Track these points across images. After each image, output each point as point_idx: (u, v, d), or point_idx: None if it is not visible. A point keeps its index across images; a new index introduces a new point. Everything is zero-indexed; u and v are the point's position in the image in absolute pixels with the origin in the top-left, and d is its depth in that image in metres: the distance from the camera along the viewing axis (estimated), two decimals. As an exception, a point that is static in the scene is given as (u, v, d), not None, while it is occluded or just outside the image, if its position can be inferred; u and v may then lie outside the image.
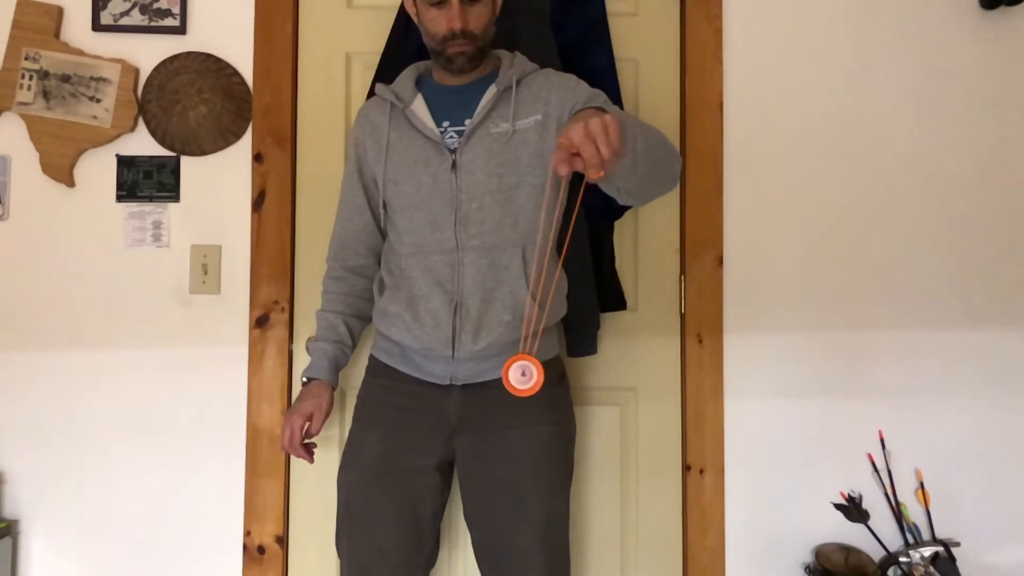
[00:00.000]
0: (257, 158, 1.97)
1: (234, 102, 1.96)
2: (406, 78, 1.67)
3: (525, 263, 1.57)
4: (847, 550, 1.90)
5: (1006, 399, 2.00)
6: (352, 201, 1.72)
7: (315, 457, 1.72)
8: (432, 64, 1.68)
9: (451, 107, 1.62)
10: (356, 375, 1.79)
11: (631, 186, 1.39)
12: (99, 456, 1.94)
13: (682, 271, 2.01)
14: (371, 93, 1.88)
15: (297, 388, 1.97)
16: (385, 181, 1.64)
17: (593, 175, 1.20)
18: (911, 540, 1.92)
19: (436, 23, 1.57)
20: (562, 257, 1.56)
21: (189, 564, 1.94)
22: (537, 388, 1.34)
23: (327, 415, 1.69)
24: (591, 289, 1.85)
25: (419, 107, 1.63)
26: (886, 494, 1.96)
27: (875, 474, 1.97)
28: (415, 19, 1.65)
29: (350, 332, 1.73)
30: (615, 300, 1.94)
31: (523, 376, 1.36)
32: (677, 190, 2.02)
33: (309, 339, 1.95)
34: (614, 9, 1.98)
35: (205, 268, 1.96)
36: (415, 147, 1.60)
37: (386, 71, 1.86)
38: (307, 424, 1.67)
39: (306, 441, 1.68)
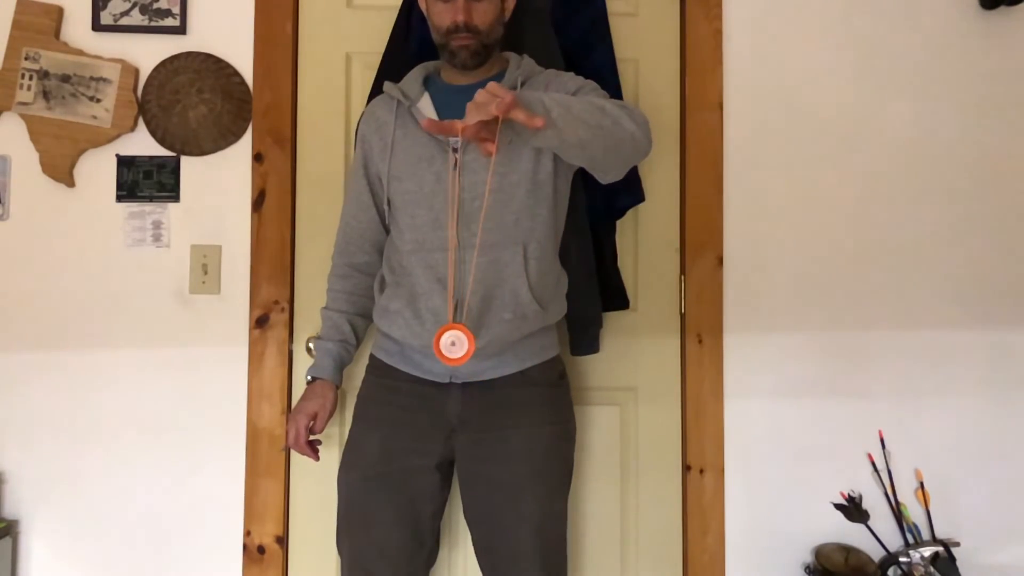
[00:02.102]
0: (257, 158, 1.97)
1: (234, 102, 1.96)
2: (414, 77, 1.68)
3: (526, 261, 1.58)
4: (847, 550, 1.90)
5: (1006, 399, 2.00)
6: (357, 198, 1.72)
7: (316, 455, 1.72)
8: (440, 64, 1.69)
9: (457, 106, 1.61)
10: (357, 375, 1.79)
11: (573, 155, 1.44)
12: (99, 456, 1.93)
13: (682, 271, 2.01)
14: (372, 93, 1.88)
15: (297, 388, 1.98)
16: (389, 178, 1.64)
17: (529, 122, 1.26)
18: (911, 540, 1.92)
19: (441, 16, 1.59)
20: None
21: (189, 564, 1.94)
22: (467, 357, 1.40)
23: (331, 414, 1.70)
24: (594, 288, 1.85)
25: (425, 105, 1.64)
26: (886, 494, 1.96)
27: (875, 474, 1.97)
28: (425, 12, 1.66)
29: (354, 331, 1.73)
30: (617, 299, 1.94)
31: (453, 346, 1.38)
32: (677, 191, 2.02)
33: (310, 338, 1.96)
34: (614, 9, 1.98)
35: (205, 268, 1.96)
36: (419, 145, 1.60)
37: (387, 71, 1.86)
38: (311, 423, 1.68)
39: (311, 438, 1.69)
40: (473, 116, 1.28)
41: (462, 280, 1.56)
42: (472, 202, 1.57)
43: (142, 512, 1.94)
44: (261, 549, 1.93)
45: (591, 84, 1.62)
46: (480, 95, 1.29)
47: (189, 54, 1.96)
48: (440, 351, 1.40)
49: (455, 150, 1.58)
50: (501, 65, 1.68)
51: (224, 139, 1.96)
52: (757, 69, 2.02)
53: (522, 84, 1.62)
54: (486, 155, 1.33)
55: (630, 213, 1.98)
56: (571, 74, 1.66)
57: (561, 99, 1.38)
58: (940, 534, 1.96)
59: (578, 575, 1.98)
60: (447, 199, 1.58)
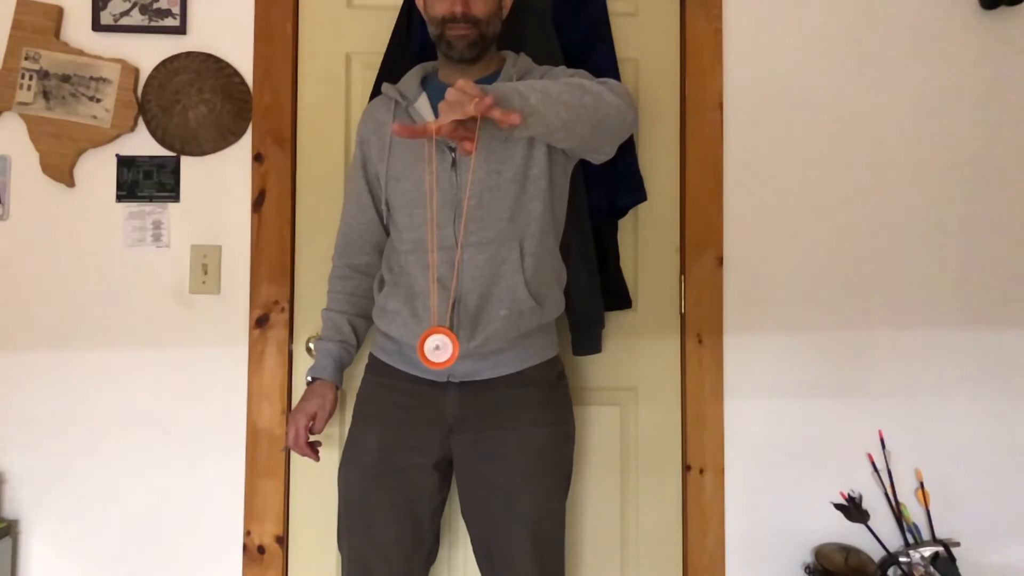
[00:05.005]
0: (257, 158, 1.97)
1: (234, 102, 1.96)
2: (412, 77, 1.68)
3: (523, 257, 1.58)
4: (847, 550, 1.90)
5: (1006, 399, 2.00)
6: (356, 198, 1.73)
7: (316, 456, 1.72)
8: (438, 64, 1.69)
9: None
10: (357, 375, 1.79)
11: (561, 139, 1.42)
12: (99, 456, 1.94)
13: (682, 271, 2.01)
14: (373, 93, 1.88)
15: (297, 388, 1.98)
16: (387, 178, 1.64)
17: (506, 119, 1.25)
18: (911, 540, 1.92)
19: (438, 5, 1.59)
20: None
21: (189, 564, 1.94)
22: (452, 360, 1.40)
23: (331, 415, 1.70)
24: (596, 287, 1.85)
25: (422, 105, 1.64)
26: (886, 494, 1.96)
27: (875, 474, 1.97)
28: (421, 10, 1.66)
29: (355, 331, 1.73)
30: (620, 299, 1.94)
31: (437, 350, 1.39)
32: (677, 191, 2.02)
33: (310, 338, 1.96)
34: (614, 9, 1.98)
35: (205, 268, 1.96)
36: (417, 145, 1.60)
37: (388, 71, 1.86)
38: (311, 423, 1.68)
39: (311, 439, 1.69)
40: (447, 115, 1.27)
41: (459, 278, 1.56)
42: (469, 200, 1.57)
43: (142, 512, 1.94)
44: (261, 549, 1.93)
45: (582, 72, 1.61)
46: (451, 94, 1.28)
47: (189, 54, 1.96)
48: (424, 355, 1.40)
49: (452, 149, 1.58)
50: (498, 63, 1.68)
51: (224, 139, 1.96)
52: (757, 69, 2.02)
53: (519, 81, 1.62)
54: (464, 154, 1.33)
55: (630, 213, 1.98)
56: (563, 67, 1.66)
57: (538, 84, 1.37)
58: (940, 534, 1.95)
59: (578, 575, 1.98)
60: (444, 198, 1.58)
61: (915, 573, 1.85)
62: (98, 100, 1.93)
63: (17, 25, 1.92)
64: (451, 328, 1.56)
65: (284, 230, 1.97)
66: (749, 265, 2.00)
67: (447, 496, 1.70)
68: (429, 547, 1.67)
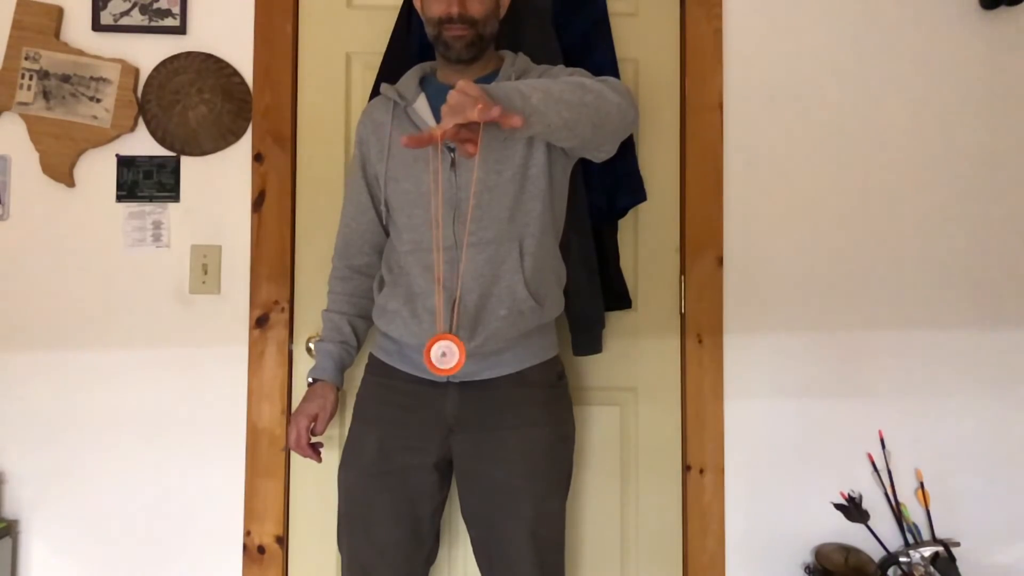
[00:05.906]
0: (257, 158, 1.97)
1: (234, 102, 1.96)
2: (410, 77, 1.68)
3: (522, 256, 1.58)
4: (847, 550, 1.90)
5: (1006, 399, 2.00)
6: (356, 199, 1.73)
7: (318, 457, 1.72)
8: (436, 64, 1.69)
9: None
10: (357, 375, 1.79)
11: (563, 138, 1.43)
12: (99, 456, 1.94)
13: (682, 271, 2.01)
14: (373, 93, 1.88)
15: (297, 388, 1.98)
16: (386, 179, 1.64)
17: (508, 121, 1.25)
18: (911, 540, 1.92)
19: (435, 6, 1.59)
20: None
21: (189, 564, 1.94)
22: (459, 367, 1.40)
23: (332, 416, 1.70)
24: (596, 287, 1.85)
25: (421, 105, 1.64)
26: (886, 494, 1.96)
27: (875, 474, 1.97)
28: (419, 10, 1.67)
29: (355, 332, 1.73)
30: (620, 299, 1.94)
31: (444, 356, 1.39)
32: (677, 191, 2.02)
33: (310, 338, 1.96)
34: (614, 9, 1.98)
35: (205, 268, 1.96)
36: None
37: (388, 71, 1.86)
38: (312, 424, 1.68)
39: (313, 440, 1.69)
40: (449, 119, 1.27)
41: (459, 278, 1.56)
42: (468, 200, 1.57)
43: (142, 512, 1.94)
44: (261, 549, 1.93)
45: (581, 71, 1.61)
46: (452, 96, 1.28)
47: (189, 54, 1.96)
48: (431, 361, 1.41)
49: (451, 149, 1.58)
50: (496, 63, 1.68)
51: (224, 139, 1.96)
52: (757, 69, 2.02)
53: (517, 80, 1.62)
54: (466, 156, 1.33)
55: (630, 213, 1.97)
56: (561, 66, 1.66)
57: (539, 84, 1.37)
58: (940, 534, 1.95)
59: (578, 575, 1.98)
60: (444, 198, 1.58)
61: (915, 573, 1.85)
62: (98, 100, 1.93)
63: (17, 25, 1.92)
64: (451, 329, 1.56)
65: (284, 230, 1.97)
66: (749, 265, 2.00)
67: (447, 496, 1.70)
68: (429, 547, 1.68)
